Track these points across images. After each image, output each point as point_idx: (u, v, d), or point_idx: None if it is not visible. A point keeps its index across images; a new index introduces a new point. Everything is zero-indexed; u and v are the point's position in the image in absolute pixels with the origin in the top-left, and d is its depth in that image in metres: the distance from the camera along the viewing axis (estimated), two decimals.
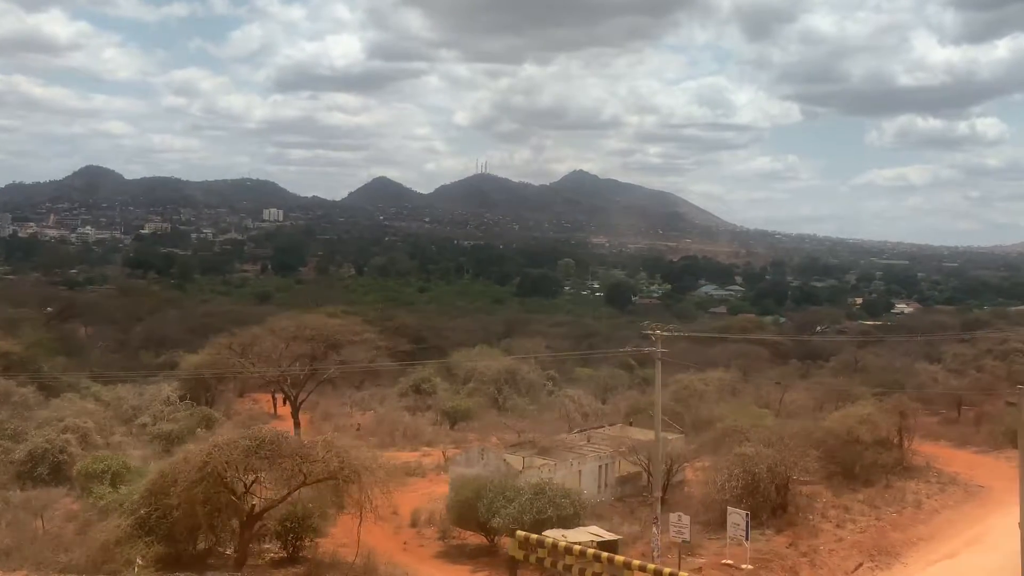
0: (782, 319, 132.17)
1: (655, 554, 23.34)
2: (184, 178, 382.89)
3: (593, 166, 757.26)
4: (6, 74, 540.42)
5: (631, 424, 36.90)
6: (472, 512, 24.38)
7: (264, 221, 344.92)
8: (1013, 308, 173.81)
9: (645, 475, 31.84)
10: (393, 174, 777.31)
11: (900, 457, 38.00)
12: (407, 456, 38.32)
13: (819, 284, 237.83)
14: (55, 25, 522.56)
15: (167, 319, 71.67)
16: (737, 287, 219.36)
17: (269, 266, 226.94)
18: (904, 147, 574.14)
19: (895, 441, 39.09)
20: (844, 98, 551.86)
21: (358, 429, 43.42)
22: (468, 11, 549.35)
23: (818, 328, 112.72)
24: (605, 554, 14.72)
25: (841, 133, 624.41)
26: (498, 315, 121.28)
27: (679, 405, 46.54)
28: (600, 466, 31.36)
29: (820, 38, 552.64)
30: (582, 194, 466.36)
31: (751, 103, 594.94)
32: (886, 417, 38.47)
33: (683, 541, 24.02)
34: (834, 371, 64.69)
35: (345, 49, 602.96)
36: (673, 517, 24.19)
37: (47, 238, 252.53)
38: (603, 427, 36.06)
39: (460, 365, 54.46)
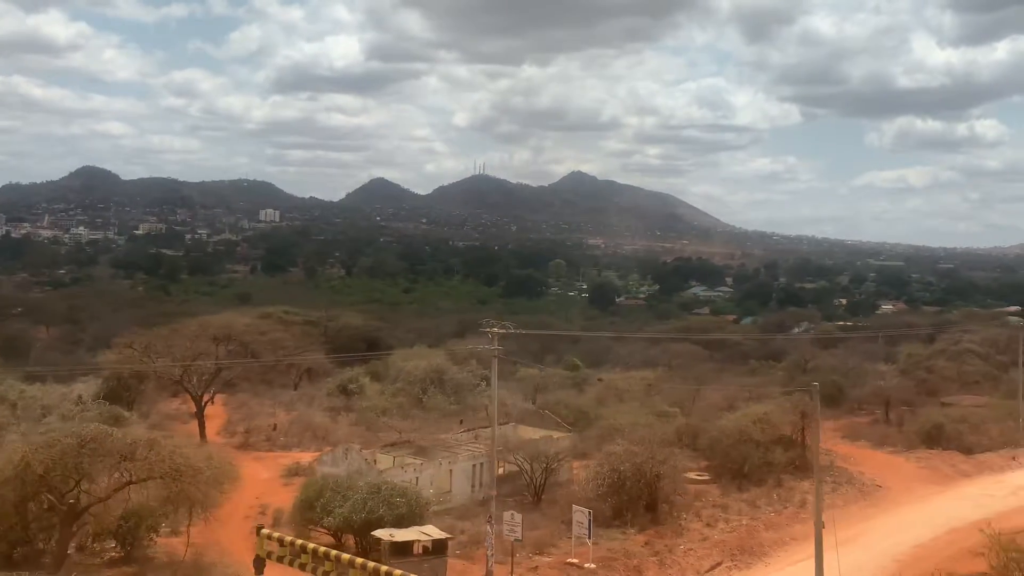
0: (750, 319, 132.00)
1: (489, 553, 23.43)
2: (182, 179, 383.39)
3: (593, 167, 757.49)
4: (5, 75, 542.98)
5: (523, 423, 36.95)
6: (312, 511, 24.51)
7: (260, 222, 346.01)
8: (992, 309, 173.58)
9: (531, 474, 31.99)
10: (392, 175, 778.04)
11: (796, 457, 37.90)
12: (309, 456, 38.42)
13: (809, 285, 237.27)
14: (54, 26, 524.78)
15: (120, 320, 71.91)
16: (726, 288, 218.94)
17: (258, 267, 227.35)
18: (903, 149, 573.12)
19: (797, 440, 39.09)
20: (843, 100, 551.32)
21: (274, 429, 43.62)
22: (467, 12, 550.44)
23: (797, 329, 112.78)
24: (335, 552, 14.86)
25: (841, 135, 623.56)
26: (467, 315, 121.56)
27: (599, 405, 46.74)
28: (475, 465, 31.43)
29: (819, 40, 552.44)
30: (581, 195, 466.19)
31: (750, 104, 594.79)
32: (785, 416, 38.50)
33: (515, 540, 24.10)
34: (784, 372, 64.81)
35: (344, 50, 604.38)
36: (507, 515, 24.29)
37: (40, 238, 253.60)
38: (488, 427, 36.01)
39: (395, 365, 54.54)
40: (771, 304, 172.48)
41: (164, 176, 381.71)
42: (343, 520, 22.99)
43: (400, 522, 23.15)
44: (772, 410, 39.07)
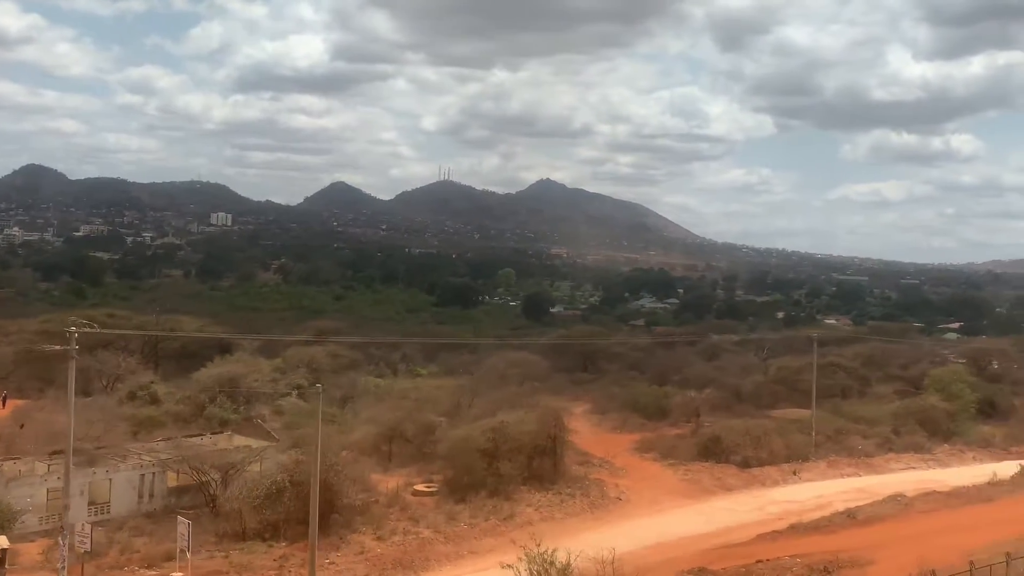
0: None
1: (60, 565, 22.76)
2: (131, 179, 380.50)
3: (564, 175, 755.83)
4: None
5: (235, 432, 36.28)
6: None
7: (211, 225, 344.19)
8: (939, 326, 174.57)
9: (211, 485, 31.33)
10: (357, 179, 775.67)
11: (541, 467, 37.42)
12: None
13: (762, 298, 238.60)
14: (5, 17, 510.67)
15: None
16: (676, 300, 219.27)
17: (193, 272, 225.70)
18: (878, 162, 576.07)
19: (553, 450, 38.65)
20: (818, 111, 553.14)
21: (21, 428, 42.74)
22: (436, 13, 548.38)
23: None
24: None
25: (815, 147, 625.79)
26: (373, 323, 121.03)
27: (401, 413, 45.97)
28: (143, 475, 30.74)
29: (794, 50, 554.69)
30: (548, 203, 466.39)
31: (724, 114, 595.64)
32: (536, 425, 38.05)
33: (84, 551, 23.44)
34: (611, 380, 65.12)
35: (309, 50, 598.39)
36: (77, 526, 23.63)
37: None
38: (203, 435, 35.46)
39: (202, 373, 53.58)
40: (707, 317, 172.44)
41: (113, 176, 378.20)
42: None
43: None
44: (525, 419, 38.61)
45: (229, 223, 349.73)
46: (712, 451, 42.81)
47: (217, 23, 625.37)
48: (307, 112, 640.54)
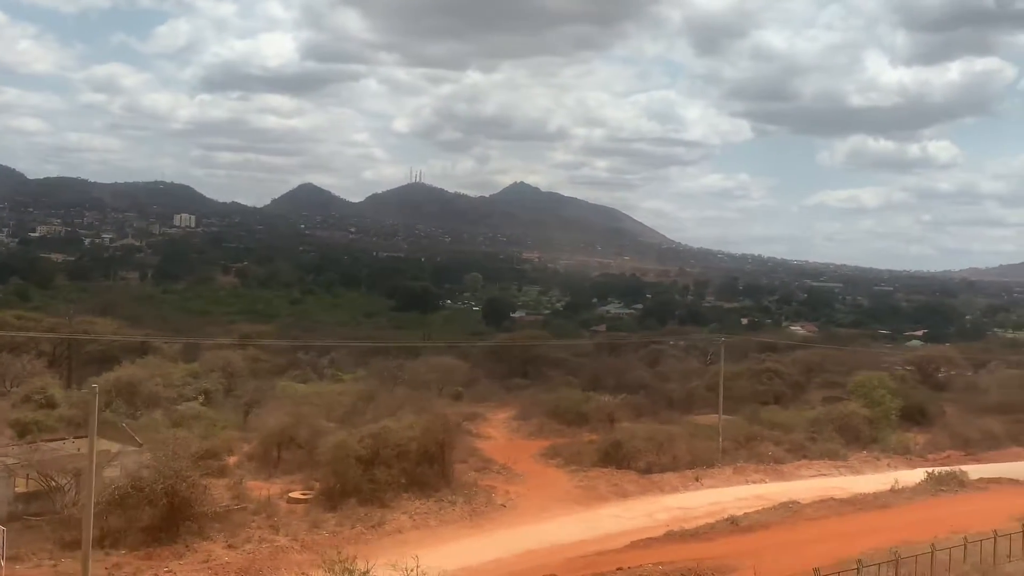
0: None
1: None
2: (94, 180, 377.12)
3: (540, 179, 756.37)
4: None
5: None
6: None
7: (174, 227, 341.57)
8: (905, 333, 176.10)
9: (62, 490, 30.56)
10: (328, 181, 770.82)
11: (426, 474, 36.84)
12: None
13: (731, 305, 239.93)
14: None
15: None
16: (640, 305, 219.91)
17: (149, 274, 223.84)
18: (856, 168, 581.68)
19: (441, 457, 38.11)
20: (795, 116, 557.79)
21: None
22: (409, 13, 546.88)
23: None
24: None
25: (792, 152, 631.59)
26: (321, 328, 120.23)
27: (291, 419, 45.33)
28: None
29: (771, 55, 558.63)
30: (522, 207, 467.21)
31: (702, 119, 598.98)
32: (422, 431, 37.54)
33: None
34: (543, 386, 64.63)
35: (278, 49, 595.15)
36: None
37: None
38: (66, 439, 34.61)
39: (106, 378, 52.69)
40: (671, 322, 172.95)
41: (74, 176, 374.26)
42: None
43: None
44: (413, 425, 38.12)
45: (193, 225, 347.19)
46: (613, 457, 42.42)
47: (184, 21, 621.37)
48: (277, 112, 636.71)
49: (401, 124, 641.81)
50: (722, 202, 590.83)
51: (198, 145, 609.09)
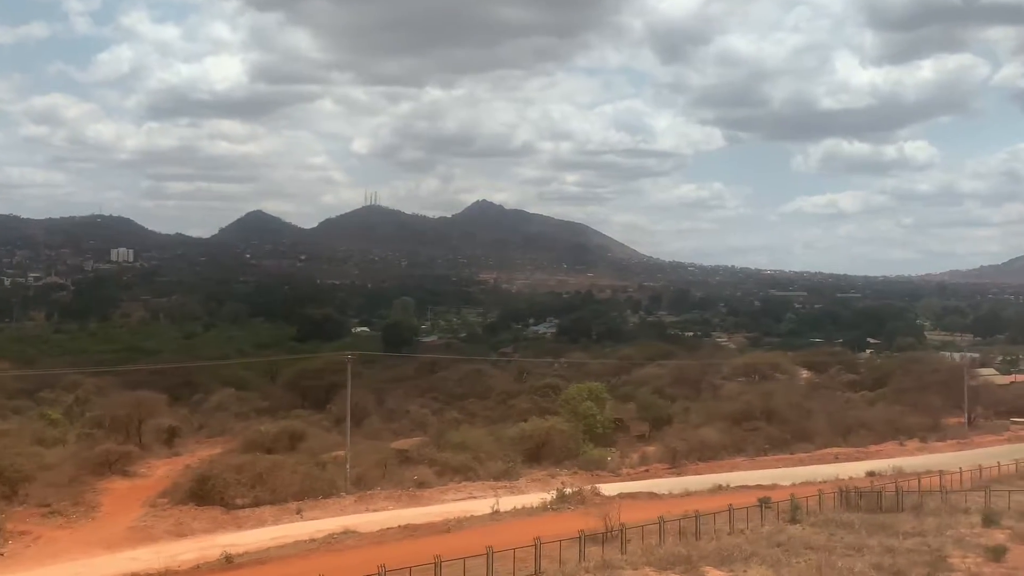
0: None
1: None
2: (25, 216, 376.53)
3: (508, 196, 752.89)
4: None
5: None
6: None
7: (110, 262, 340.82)
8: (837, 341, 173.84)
9: None
10: (285, 208, 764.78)
11: None
12: None
13: (675, 318, 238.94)
14: None
15: None
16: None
17: (56, 314, 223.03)
18: (831, 173, 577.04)
19: None
20: (766, 122, 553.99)
21: None
22: (361, 30, 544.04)
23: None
24: None
25: (766, 159, 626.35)
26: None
27: None
28: None
29: (737, 60, 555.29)
30: (484, 226, 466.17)
31: (671, 128, 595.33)
32: None
33: None
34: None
35: (226, 72, 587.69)
36: None
37: None
38: None
39: None
40: (582, 340, 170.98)
41: (5, 213, 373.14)
42: None
43: None
44: None
45: (131, 259, 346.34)
46: (198, 492, 40.26)
47: (126, 47, 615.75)
48: (229, 138, 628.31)
49: (360, 145, 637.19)
50: (697, 213, 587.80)
51: (147, 176, 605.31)
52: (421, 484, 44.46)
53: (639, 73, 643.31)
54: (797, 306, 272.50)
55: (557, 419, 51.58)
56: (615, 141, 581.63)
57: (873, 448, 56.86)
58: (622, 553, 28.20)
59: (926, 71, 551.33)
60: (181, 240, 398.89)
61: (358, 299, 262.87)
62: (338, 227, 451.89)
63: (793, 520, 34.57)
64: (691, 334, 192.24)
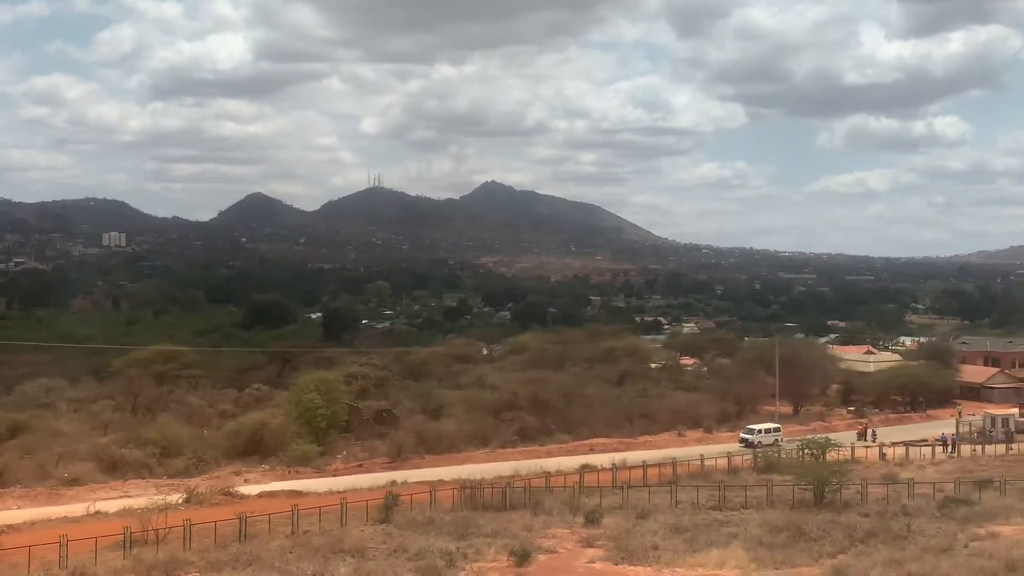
0: None
1: None
2: (17, 200, 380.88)
3: (522, 177, 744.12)
4: None
5: None
6: None
7: (101, 247, 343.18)
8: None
9: None
10: (294, 189, 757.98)
11: None
12: None
13: (665, 302, 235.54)
14: None
15: None
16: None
17: (15, 301, 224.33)
18: (858, 150, 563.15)
19: None
20: (789, 98, 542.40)
21: None
22: (368, 6, 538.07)
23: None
24: None
25: (790, 136, 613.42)
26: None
27: None
28: None
29: (758, 33, 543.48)
30: (492, 208, 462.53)
31: (691, 105, 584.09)
32: None
33: None
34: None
35: (230, 50, 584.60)
36: None
37: None
38: None
39: None
40: (533, 326, 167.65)
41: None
42: None
43: None
44: None
45: (123, 243, 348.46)
46: None
47: (127, 25, 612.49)
48: (235, 119, 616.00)
49: (369, 125, 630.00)
50: (720, 193, 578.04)
51: (152, 157, 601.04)
52: (73, 481, 42.01)
53: (656, 48, 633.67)
54: (801, 289, 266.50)
55: (273, 412, 48.87)
56: (632, 119, 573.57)
57: (643, 439, 53.50)
58: None
59: (955, 44, 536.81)
60: (178, 224, 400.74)
61: (336, 283, 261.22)
62: (341, 209, 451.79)
63: (384, 520, 32.24)
64: (658, 320, 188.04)
